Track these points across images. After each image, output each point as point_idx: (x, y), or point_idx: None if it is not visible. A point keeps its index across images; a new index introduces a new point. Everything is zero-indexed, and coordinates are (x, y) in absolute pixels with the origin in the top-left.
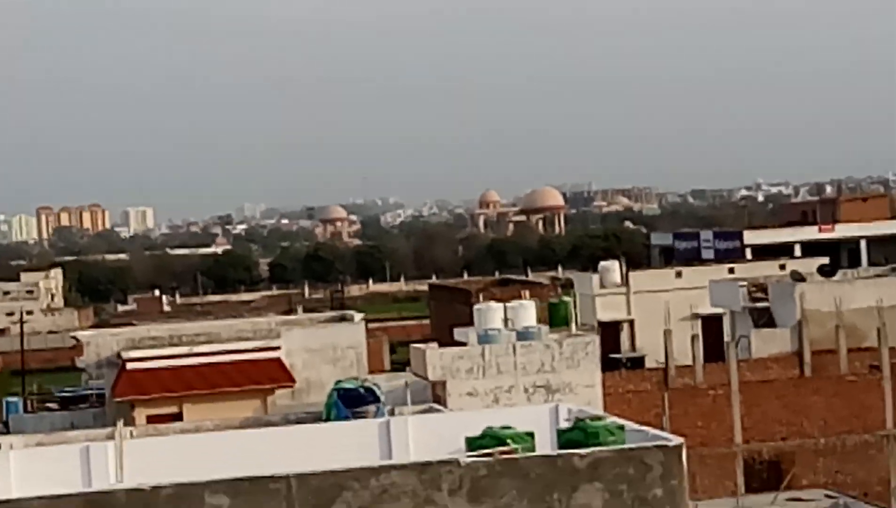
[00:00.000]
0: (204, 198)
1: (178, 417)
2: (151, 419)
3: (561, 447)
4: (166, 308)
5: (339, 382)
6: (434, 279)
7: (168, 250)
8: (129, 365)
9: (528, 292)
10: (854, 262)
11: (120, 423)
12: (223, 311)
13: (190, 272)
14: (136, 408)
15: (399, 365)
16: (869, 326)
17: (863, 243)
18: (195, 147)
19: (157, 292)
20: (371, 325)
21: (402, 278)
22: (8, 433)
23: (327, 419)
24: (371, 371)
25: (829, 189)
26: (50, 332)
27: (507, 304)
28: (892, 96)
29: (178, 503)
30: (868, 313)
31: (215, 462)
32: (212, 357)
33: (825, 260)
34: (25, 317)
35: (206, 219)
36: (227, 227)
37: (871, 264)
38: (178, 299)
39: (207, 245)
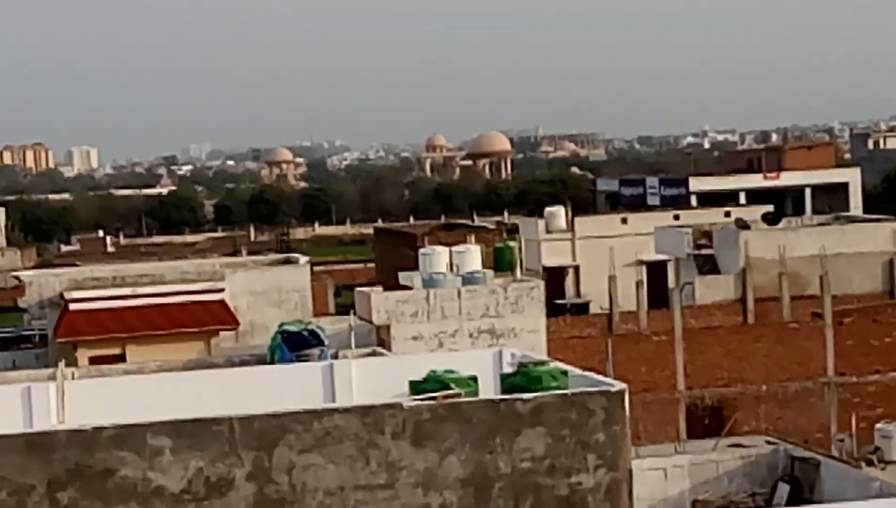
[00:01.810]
0: (149, 138)
1: (121, 358)
2: (94, 361)
3: (504, 391)
4: (110, 249)
5: (283, 324)
6: (380, 223)
7: (112, 191)
8: (72, 306)
9: (473, 237)
10: (798, 210)
11: (61, 364)
12: (167, 253)
13: (134, 213)
14: (79, 349)
15: (344, 309)
16: (812, 274)
17: (807, 192)
18: (141, 87)
19: (101, 233)
20: (316, 268)
21: (348, 222)
22: None
23: (271, 362)
24: (315, 315)
25: (774, 137)
26: None
27: (453, 248)
28: (839, 45)
29: (119, 444)
30: (811, 261)
31: (158, 403)
32: (156, 299)
33: (770, 208)
34: None
35: (150, 160)
36: (173, 168)
37: (815, 212)
38: (122, 241)
39: (152, 186)
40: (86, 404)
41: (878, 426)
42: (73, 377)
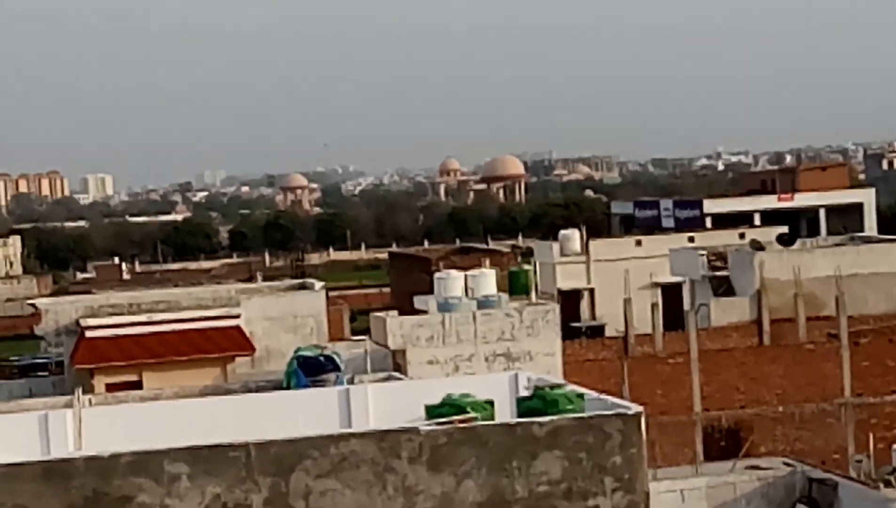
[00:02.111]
0: (164, 165)
1: (137, 385)
2: (111, 387)
3: (520, 415)
4: (126, 276)
5: (298, 350)
6: (394, 248)
7: (127, 218)
8: (88, 333)
9: (488, 261)
10: (813, 231)
11: (78, 391)
12: (183, 279)
13: (149, 240)
14: (96, 376)
15: (359, 334)
16: (827, 294)
17: (822, 213)
18: (155, 114)
19: (116, 260)
20: (331, 293)
21: (363, 247)
22: None
23: (287, 388)
24: (331, 339)
25: (788, 158)
26: (8, 300)
27: (468, 272)
28: (853, 66)
29: (137, 470)
30: (826, 281)
31: (175, 429)
32: (171, 325)
33: (784, 229)
34: None
35: (165, 186)
36: (187, 194)
37: (829, 233)
38: (138, 267)
39: (167, 213)
40: (103, 431)
41: (895, 446)
42: (89, 404)
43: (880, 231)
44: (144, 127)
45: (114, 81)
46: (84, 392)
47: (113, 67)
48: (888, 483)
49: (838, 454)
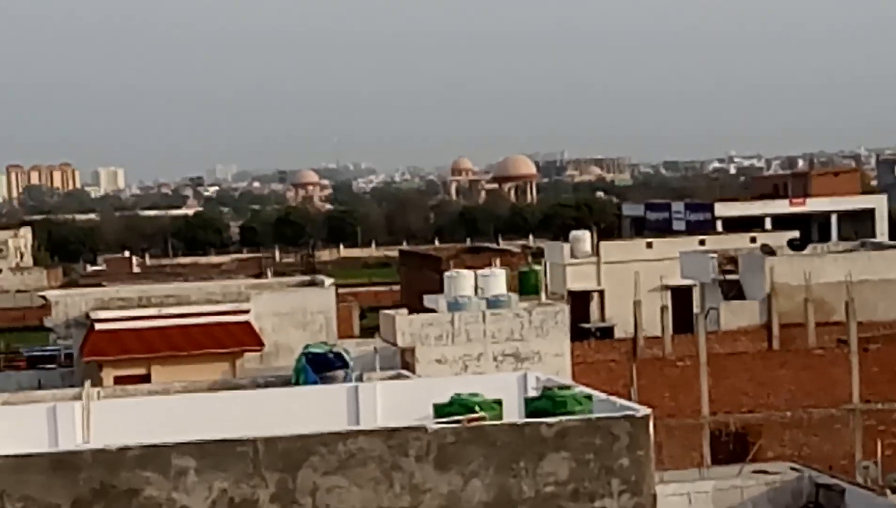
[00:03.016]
0: (175, 160)
1: (146, 378)
2: (119, 381)
3: (528, 415)
4: (136, 269)
5: (307, 346)
6: (405, 246)
7: (139, 212)
8: (98, 326)
9: (498, 261)
10: (824, 236)
11: (87, 383)
12: (193, 273)
13: (160, 234)
14: (104, 369)
15: (369, 331)
16: (838, 300)
17: (833, 218)
18: (167, 108)
19: (126, 253)
20: (341, 290)
21: (373, 244)
22: None
23: (296, 384)
24: (340, 336)
25: (800, 163)
26: (18, 291)
27: (478, 272)
28: (866, 72)
29: (144, 464)
30: (837, 287)
31: (183, 424)
32: (181, 319)
33: (795, 234)
34: None
35: (177, 180)
36: (199, 189)
37: (841, 238)
38: (148, 261)
39: (178, 207)
40: (111, 424)
41: None
42: (98, 397)
43: (892, 237)
44: (156, 121)
45: (126, 75)
46: (93, 385)
47: (126, 61)
48: (895, 490)
49: (846, 459)
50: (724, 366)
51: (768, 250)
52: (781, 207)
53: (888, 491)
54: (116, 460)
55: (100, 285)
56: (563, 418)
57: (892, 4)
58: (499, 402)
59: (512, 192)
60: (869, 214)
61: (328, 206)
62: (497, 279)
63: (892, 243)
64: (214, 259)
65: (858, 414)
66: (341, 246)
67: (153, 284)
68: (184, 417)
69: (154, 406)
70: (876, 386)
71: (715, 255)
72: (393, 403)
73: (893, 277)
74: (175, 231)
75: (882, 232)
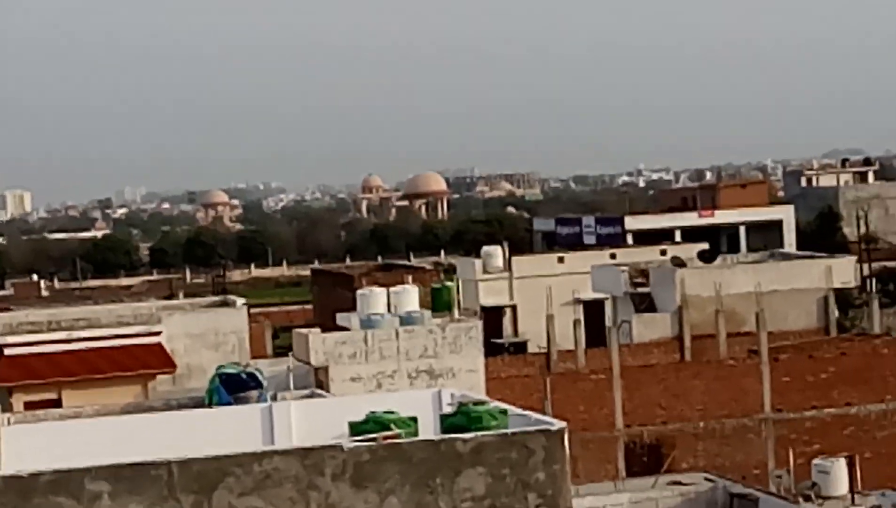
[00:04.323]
0: (83, 182)
1: (57, 403)
2: (30, 406)
3: (444, 431)
4: (45, 293)
5: (220, 367)
6: (317, 264)
7: (46, 235)
8: (7, 351)
9: (410, 278)
10: (733, 247)
11: None
12: (103, 296)
13: (69, 257)
14: (14, 394)
15: (282, 350)
16: (748, 311)
17: (742, 229)
18: (74, 129)
19: (34, 277)
20: (253, 310)
21: (285, 263)
22: None
23: (209, 405)
24: (253, 356)
25: (708, 175)
26: None
27: (390, 289)
28: (772, 84)
29: (57, 489)
30: (747, 298)
31: (96, 448)
32: (92, 343)
33: (705, 246)
34: None
35: (85, 203)
36: (107, 211)
37: (749, 249)
38: (57, 284)
39: (87, 229)
40: (22, 449)
41: (815, 461)
42: (8, 423)
43: (799, 248)
44: (63, 143)
45: (30, 96)
46: (3, 411)
47: (30, 81)
48: (808, 498)
49: (759, 469)
50: (637, 379)
51: (679, 263)
52: (691, 219)
53: (801, 499)
54: (29, 486)
55: (8, 309)
56: (479, 433)
57: (796, 22)
58: (414, 419)
59: (423, 208)
60: (777, 225)
61: (239, 226)
62: (409, 296)
63: (800, 253)
64: (124, 281)
65: (770, 424)
66: (252, 266)
67: (62, 307)
68: (96, 441)
69: (66, 431)
70: (787, 395)
71: (626, 268)
72: (308, 422)
73: (802, 287)
74: (84, 254)
75: (790, 243)
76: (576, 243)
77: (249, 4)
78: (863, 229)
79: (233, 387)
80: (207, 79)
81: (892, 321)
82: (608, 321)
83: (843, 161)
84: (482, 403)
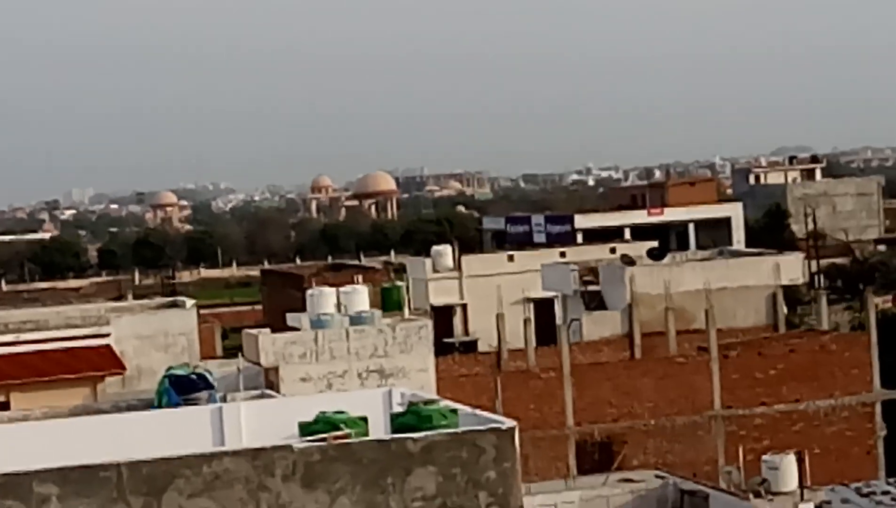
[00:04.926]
0: (30, 183)
1: (5, 406)
2: None
3: (394, 431)
4: None
5: (170, 368)
6: (266, 265)
7: None
8: None
9: (360, 277)
10: (682, 245)
11: None
12: (51, 298)
13: (16, 259)
14: None
15: (231, 351)
16: (697, 308)
17: (691, 227)
18: (20, 130)
19: None
20: (202, 311)
21: (234, 264)
22: None
23: (158, 406)
24: (203, 358)
25: (657, 173)
26: None
27: (340, 289)
28: (720, 82)
29: (5, 493)
30: (696, 295)
31: (44, 451)
32: (40, 345)
33: (654, 244)
34: None
35: (32, 204)
36: (55, 212)
37: (698, 247)
38: (4, 287)
39: (34, 231)
40: None
41: (764, 457)
42: None
43: (748, 245)
44: (10, 144)
45: None
46: None
47: None
48: (758, 494)
49: (709, 465)
50: (587, 376)
51: (628, 261)
52: (640, 217)
53: (751, 495)
54: None
55: None
56: (429, 433)
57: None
58: (364, 419)
59: (372, 208)
60: (725, 222)
61: (188, 227)
62: (360, 296)
63: (748, 250)
64: (73, 283)
65: (720, 420)
66: (202, 267)
67: (10, 310)
68: (45, 444)
69: (14, 434)
70: (736, 392)
71: (576, 266)
72: (258, 423)
73: (751, 284)
74: (31, 256)
75: (739, 240)
76: (526, 242)
77: (196, 5)
78: (811, 227)
79: (182, 389)
80: (156, 79)
81: (839, 317)
82: (558, 320)
83: (791, 159)
84: (432, 402)
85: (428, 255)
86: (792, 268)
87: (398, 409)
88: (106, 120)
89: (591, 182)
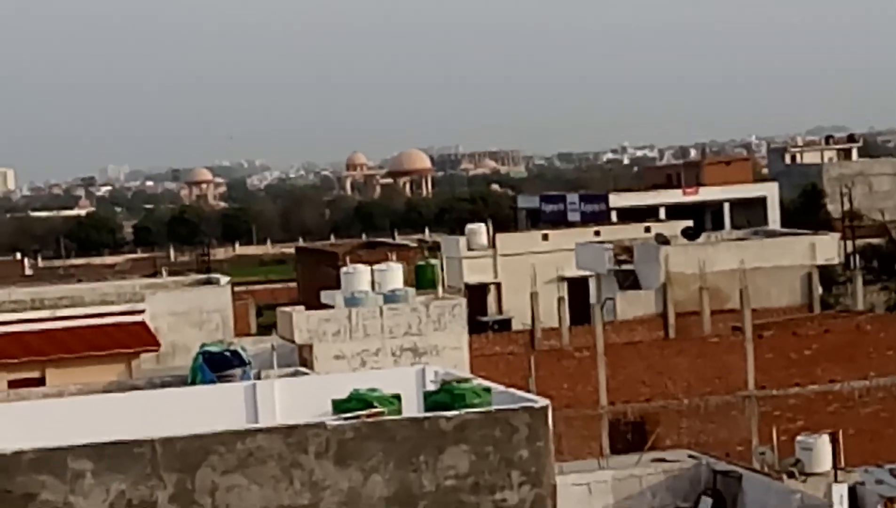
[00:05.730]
0: (66, 160)
1: (40, 382)
2: (13, 384)
3: (427, 409)
4: (28, 272)
5: (204, 345)
6: (301, 242)
7: (29, 213)
8: None
9: (395, 255)
10: (717, 225)
11: None
12: (87, 274)
13: (52, 235)
14: None
15: (266, 328)
16: (732, 288)
17: (726, 206)
18: (58, 107)
19: (18, 256)
20: (237, 288)
21: (269, 241)
22: None
23: (192, 383)
24: (237, 335)
25: (693, 152)
26: None
27: (375, 267)
28: (756, 61)
29: (40, 468)
30: (731, 275)
31: (79, 426)
32: (75, 321)
33: (689, 223)
34: None
35: (68, 181)
36: (91, 189)
37: (734, 226)
38: (41, 263)
39: (70, 208)
40: (5, 427)
41: (798, 438)
42: None
43: (783, 225)
44: (47, 120)
45: (13, 73)
46: None
47: (10, 58)
48: (791, 475)
49: (742, 446)
50: (621, 356)
51: (663, 240)
52: (675, 196)
53: (784, 476)
54: (11, 464)
55: None
56: (462, 411)
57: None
58: (397, 397)
59: (407, 186)
60: (761, 202)
61: (222, 204)
62: (394, 274)
63: (783, 230)
64: (108, 260)
65: (754, 401)
66: (237, 244)
67: (46, 286)
68: (80, 419)
69: (49, 409)
70: (770, 372)
71: (610, 246)
72: (291, 400)
73: (786, 264)
74: (67, 232)
75: (774, 220)
76: (560, 221)
77: None
78: (846, 206)
79: (216, 365)
80: (192, 56)
81: (875, 298)
82: (592, 299)
83: (827, 138)
84: (466, 380)
85: (462, 233)
86: (827, 248)
87: (431, 387)
88: (142, 96)
89: (626, 161)
